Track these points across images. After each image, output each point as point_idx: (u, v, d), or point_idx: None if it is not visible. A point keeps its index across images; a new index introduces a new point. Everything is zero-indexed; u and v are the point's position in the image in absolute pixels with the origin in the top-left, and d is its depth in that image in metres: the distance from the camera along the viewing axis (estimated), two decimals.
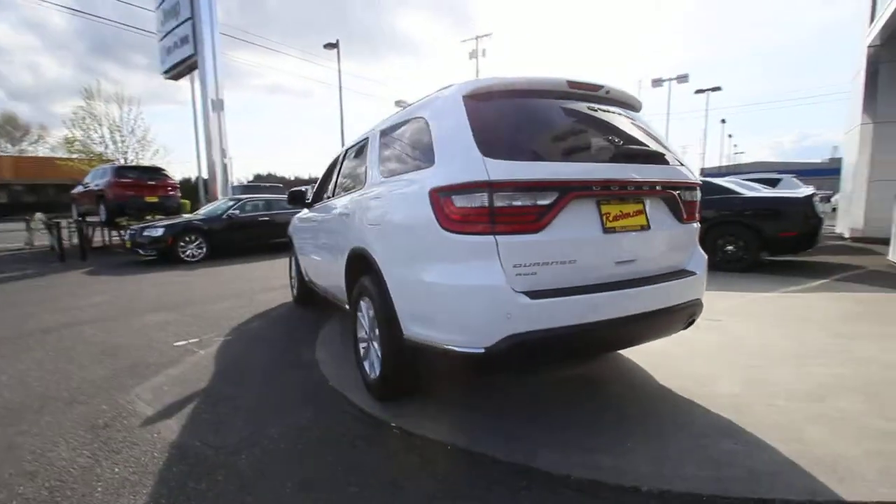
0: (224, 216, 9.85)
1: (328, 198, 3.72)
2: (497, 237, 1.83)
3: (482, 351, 1.85)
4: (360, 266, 2.70)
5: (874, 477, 1.76)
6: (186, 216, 10.42)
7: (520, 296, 1.83)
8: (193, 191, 19.94)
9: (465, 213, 1.86)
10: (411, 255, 2.10)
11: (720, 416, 2.28)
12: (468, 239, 1.86)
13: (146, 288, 6.54)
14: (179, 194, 12.09)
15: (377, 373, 2.53)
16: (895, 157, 7.74)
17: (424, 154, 2.22)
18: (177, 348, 3.71)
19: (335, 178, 3.67)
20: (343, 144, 23.49)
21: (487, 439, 2.14)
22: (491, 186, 1.82)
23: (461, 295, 1.88)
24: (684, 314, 2.27)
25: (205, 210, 10.66)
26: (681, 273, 2.30)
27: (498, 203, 1.82)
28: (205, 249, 9.41)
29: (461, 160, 1.92)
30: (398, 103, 28.14)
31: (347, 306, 3.19)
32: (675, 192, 2.25)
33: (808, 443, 2.01)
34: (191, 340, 3.91)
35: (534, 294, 1.85)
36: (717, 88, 32.29)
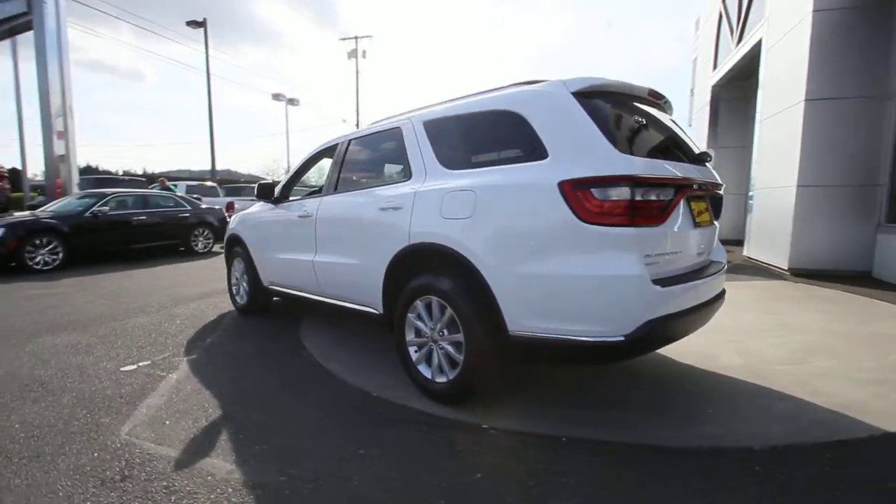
0: (88, 214, 8.01)
1: (327, 193, 3.34)
2: (636, 229, 1.90)
3: (622, 339, 1.89)
4: (422, 264, 2.52)
5: (893, 411, 2.27)
6: (26, 214, 8.22)
7: (654, 284, 1.92)
8: (14, 182, 15.60)
9: (606, 205, 1.88)
10: (534, 248, 2.03)
11: (749, 382, 2.67)
12: (609, 230, 1.89)
13: (15, 304, 5.01)
14: (9, 186, 9.43)
15: (450, 376, 2.38)
16: (733, 174, 9.92)
17: (524, 147, 2.18)
18: (130, 374, 2.95)
19: (337, 172, 3.31)
20: (210, 130, 20.65)
21: (588, 427, 2.18)
22: (633, 181, 1.89)
23: (602, 285, 1.89)
24: (723, 298, 2.62)
25: (56, 206, 8.51)
26: (721, 264, 2.65)
27: (637, 197, 1.89)
28: (61, 255, 7.54)
29: (595, 154, 1.94)
30: (276, 97, 26.17)
31: (370, 309, 2.92)
32: (718, 192, 2.60)
33: (829, 394, 2.49)
34: (141, 364, 3.14)
35: (658, 282, 1.96)
36: None
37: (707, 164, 2.63)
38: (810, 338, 3.51)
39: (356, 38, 30.17)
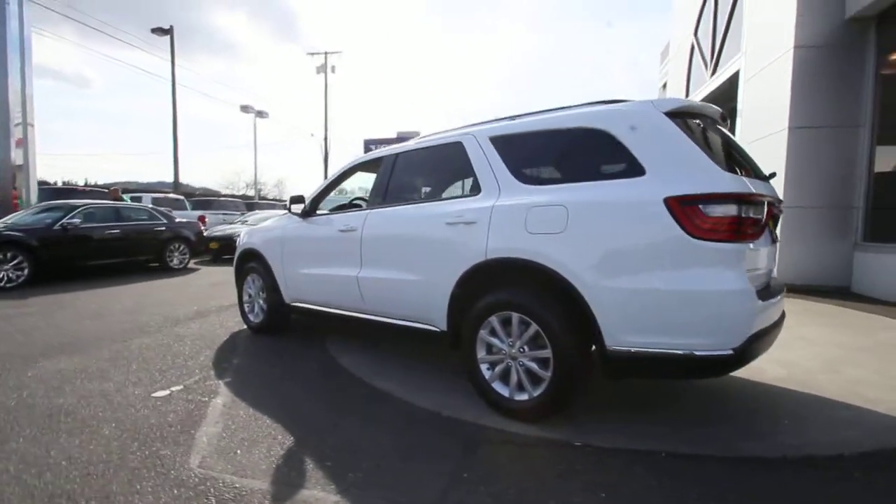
0: (57, 227, 7.39)
1: (373, 207, 3.25)
2: (740, 244, 1.96)
3: (731, 352, 1.93)
4: (499, 279, 2.49)
5: None
6: None
7: (757, 298, 1.98)
8: None
9: (713, 221, 1.93)
10: (637, 263, 2.04)
11: (804, 392, 2.79)
12: (717, 246, 1.93)
13: None
14: None
15: (533, 393, 2.34)
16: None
17: (614, 163, 2.22)
18: (167, 401, 2.71)
19: (385, 186, 3.23)
20: (174, 141, 19.68)
21: (677, 442, 2.19)
22: (739, 198, 1.96)
23: (713, 299, 1.93)
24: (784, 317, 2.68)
25: (16, 218, 7.80)
26: (781, 282, 2.75)
27: (742, 213, 1.96)
28: (26, 271, 6.90)
29: (699, 171, 2.00)
30: (244, 108, 25.40)
31: (428, 327, 2.84)
32: (781, 210, 2.72)
33: (876, 401, 2.63)
34: (174, 389, 2.90)
35: (759, 296, 2.03)
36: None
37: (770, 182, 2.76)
38: (828, 349, 3.72)
39: (325, 53, 29.99)
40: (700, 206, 1.95)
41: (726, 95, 8.59)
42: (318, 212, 3.84)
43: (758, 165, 2.58)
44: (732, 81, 8.22)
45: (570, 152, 2.44)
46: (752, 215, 2.01)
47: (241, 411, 2.57)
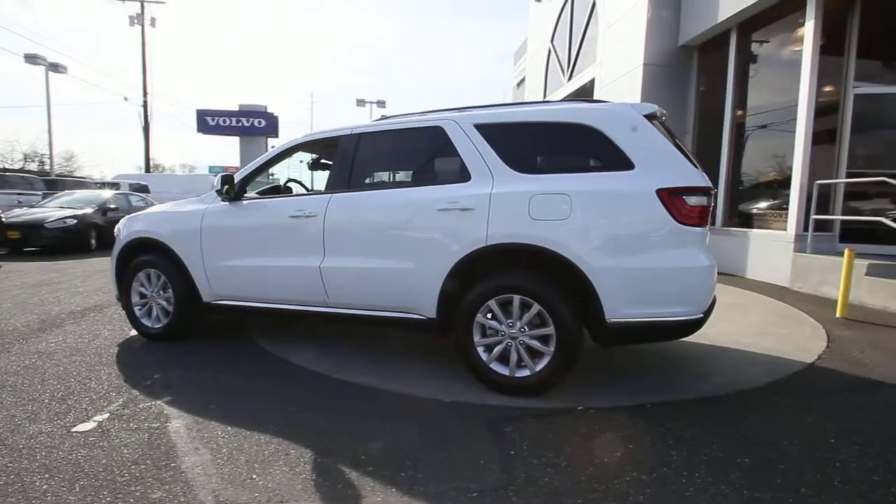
0: None
1: (335, 190, 2.98)
2: (705, 228, 2.41)
3: (701, 315, 2.38)
4: (498, 264, 2.57)
5: (790, 349, 3.36)
6: None
7: None
8: None
9: (694, 210, 2.33)
10: (634, 245, 2.34)
11: (706, 344, 3.52)
12: (695, 230, 2.34)
13: None
14: None
15: (536, 368, 2.50)
16: None
17: (604, 157, 2.48)
18: (98, 434, 2.14)
19: (349, 168, 2.98)
20: None
21: (650, 394, 2.61)
22: (706, 191, 2.39)
23: (695, 273, 2.35)
24: None
25: None
26: None
27: (706, 203, 2.40)
28: None
29: (680, 168, 2.38)
30: (30, 58, 19.32)
31: (410, 315, 2.79)
32: None
33: (750, 344, 3.48)
34: (98, 419, 2.29)
35: None
36: (382, 103, 36.66)
37: None
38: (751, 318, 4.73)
39: (141, 1, 24.89)
40: (685, 197, 2.33)
41: (585, 96, 9.95)
42: (245, 196, 3.35)
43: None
44: (588, 87, 9.55)
45: (561, 144, 2.63)
46: (709, 204, 2.49)
47: (218, 430, 2.17)
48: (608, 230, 2.41)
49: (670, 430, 2.19)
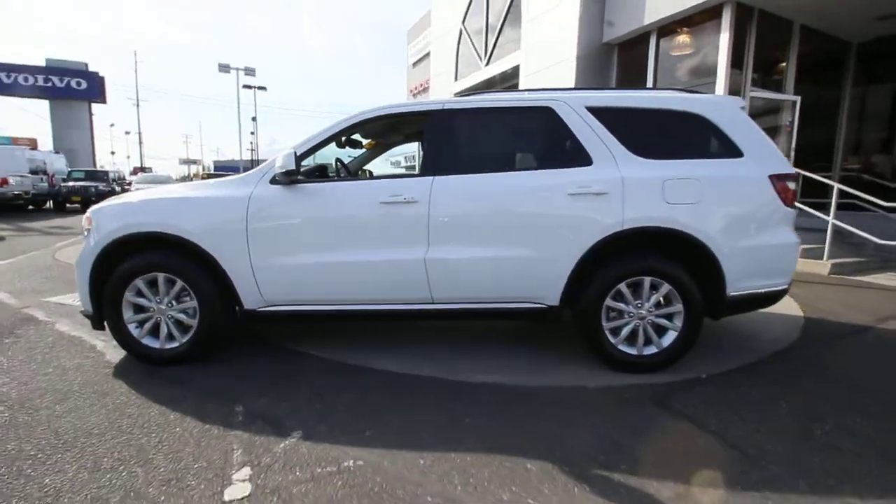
0: None
1: (438, 172, 2.65)
2: (794, 209, 2.80)
3: (787, 286, 2.79)
4: (629, 247, 2.62)
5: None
6: None
7: None
8: None
9: (792, 193, 2.68)
10: (753, 226, 2.62)
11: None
12: (792, 211, 2.70)
13: None
14: None
15: (664, 344, 2.65)
16: None
17: (715, 145, 2.70)
18: (250, 500, 1.64)
19: (454, 149, 2.70)
20: None
21: (662, 373, 2.99)
22: (798, 177, 2.77)
23: (793, 249, 2.72)
24: None
25: None
26: None
27: (796, 187, 2.79)
28: None
29: (777, 157, 2.71)
30: None
31: (531, 305, 2.69)
32: None
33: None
34: (238, 476, 1.74)
35: None
36: (263, 88, 33.15)
37: None
38: None
39: None
40: (787, 182, 2.67)
41: (506, 82, 10.33)
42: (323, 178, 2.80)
43: None
44: (511, 74, 9.93)
45: (673, 131, 2.76)
46: (797, 188, 2.90)
47: (420, 460, 1.83)
48: (732, 211, 2.65)
49: (789, 378, 2.58)
